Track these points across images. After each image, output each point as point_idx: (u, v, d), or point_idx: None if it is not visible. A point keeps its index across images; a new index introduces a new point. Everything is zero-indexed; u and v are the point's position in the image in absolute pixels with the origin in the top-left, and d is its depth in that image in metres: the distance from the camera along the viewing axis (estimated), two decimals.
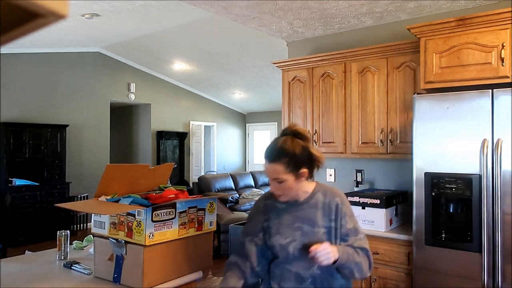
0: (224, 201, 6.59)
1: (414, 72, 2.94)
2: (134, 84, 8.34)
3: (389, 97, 3.07)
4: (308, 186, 1.58)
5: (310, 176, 1.56)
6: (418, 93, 2.61)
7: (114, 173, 1.85)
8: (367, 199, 2.81)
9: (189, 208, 1.83)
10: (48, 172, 6.54)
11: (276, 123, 10.81)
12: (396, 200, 2.92)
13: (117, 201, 1.73)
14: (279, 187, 1.50)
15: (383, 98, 3.10)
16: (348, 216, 1.54)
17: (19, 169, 6.25)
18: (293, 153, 1.48)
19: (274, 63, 3.75)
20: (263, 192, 7.45)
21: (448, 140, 2.43)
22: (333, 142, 3.33)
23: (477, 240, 2.31)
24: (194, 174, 9.76)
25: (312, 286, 1.50)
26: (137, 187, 1.90)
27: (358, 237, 1.53)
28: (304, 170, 1.50)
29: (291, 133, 1.53)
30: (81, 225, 7.12)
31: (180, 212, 1.78)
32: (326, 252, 1.38)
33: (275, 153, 1.49)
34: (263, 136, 11.46)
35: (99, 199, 1.80)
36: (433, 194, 2.47)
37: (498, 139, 2.26)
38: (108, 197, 1.79)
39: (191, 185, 8.37)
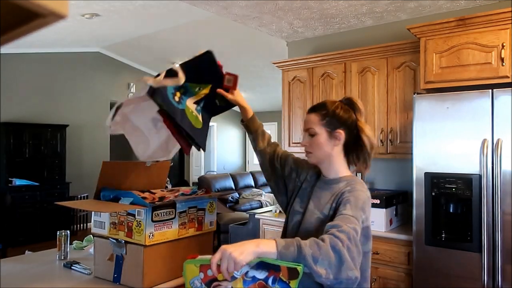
0: (224, 200, 6.59)
1: (414, 72, 2.94)
2: (134, 84, 8.34)
3: (389, 97, 3.07)
4: (342, 169, 1.42)
5: (352, 156, 1.42)
6: (418, 93, 2.61)
7: (111, 170, 1.85)
8: None
9: (189, 208, 1.83)
10: (48, 172, 6.54)
11: (276, 123, 10.80)
12: (396, 200, 2.92)
13: (117, 201, 1.73)
14: (309, 142, 1.39)
15: (383, 98, 3.10)
16: (350, 204, 1.26)
17: (19, 169, 6.25)
18: (332, 109, 1.38)
19: (274, 63, 3.75)
20: (263, 192, 7.45)
21: (448, 140, 2.43)
22: None
23: (477, 240, 2.31)
24: (194, 174, 9.77)
25: None
26: (135, 185, 1.90)
27: (343, 226, 1.15)
28: (340, 132, 1.37)
29: (342, 100, 1.45)
30: (81, 225, 7.12)
31: (180, 212, 1.78)
32: (227, 255, 1.05)
33: (315, 105, 1.44)
34: None
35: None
36: (433, 194, 2.47)
37: (498, 139, 2.26)
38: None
39: (191, 185, 8.36)
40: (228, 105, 1.56)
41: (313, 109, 1.42)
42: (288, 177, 1.56)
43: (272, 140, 1.68)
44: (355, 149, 1.42)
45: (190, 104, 1.47)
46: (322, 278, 1.06)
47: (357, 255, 1.12)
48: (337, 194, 1.35)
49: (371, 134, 1.40)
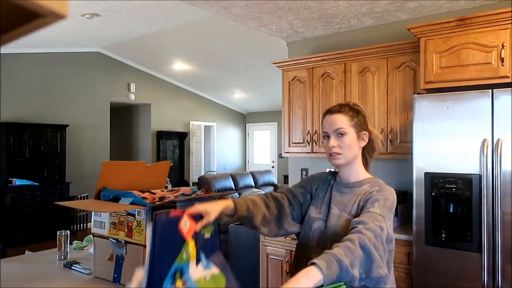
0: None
1: (414, 72, 2.94)
2: (134, 84, 8.34)
3: (389, 97, 3.07)
4: (363, 172, 1.47)
5: (368, 154, 1.49)
6: (418, 93, 2.61)
7: (111, 170, 1.85)
8: None
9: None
10: (48, 172, 6.54)
11: (276, 123, 10.81)
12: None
13: (117, 201, 1.73)
14: (339, 143, 1.39)
15: (383, 98, 3.10)
16: (379, 203, 1.31)
17: (19, 169, 6.25)
18: (357, 111, 1.43)
19: (274, 63, 3.75)
20: (263, 192, 7.45)
21: (448, 140, 2.43)
22: None
23: (477, 240, 2.31)
24: (194, 174, 9.76)
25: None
26: (135, 186, 1.90)
27: (369, 223, 1.19)
28: (366, 133, 1.42)
29: (352, 105, 1.47)
30: (81, 225, 7.12)
31: None
32: None
33: (341, 106, 1.43)
34: (263, 136, 11.46)
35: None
36: (433, 194, 2.47)
37: (498, 139, 2.26)
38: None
39: (191, 185, 8.36)
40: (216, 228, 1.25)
41: (339, 110, 1.42)
42: (304, 203, 1.50)
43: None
44: (367, 152, 1.49)
45: (196, 275, 1.14)
46: (357, 279, 1.08)
47: (383, 253, 1.16)
48: (363, 193, 1.38)
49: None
